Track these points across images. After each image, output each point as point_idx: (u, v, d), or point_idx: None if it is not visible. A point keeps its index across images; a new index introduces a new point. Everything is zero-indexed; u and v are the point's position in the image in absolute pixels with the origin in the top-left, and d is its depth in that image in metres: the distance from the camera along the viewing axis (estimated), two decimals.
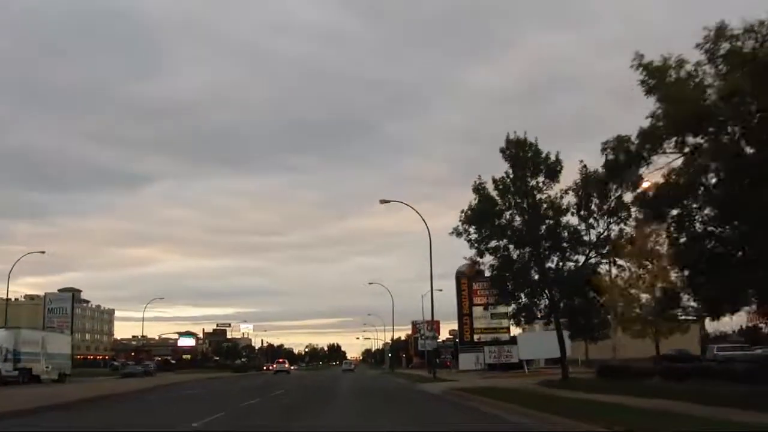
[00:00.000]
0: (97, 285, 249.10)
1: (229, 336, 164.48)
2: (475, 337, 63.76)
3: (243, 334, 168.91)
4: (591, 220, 27.28)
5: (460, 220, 28.01)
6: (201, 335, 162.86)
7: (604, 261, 27.02)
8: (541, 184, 27.68)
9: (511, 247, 28.10)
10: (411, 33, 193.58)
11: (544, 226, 27.49)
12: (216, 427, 15.25)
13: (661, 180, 16.27)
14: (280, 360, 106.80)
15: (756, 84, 13.66)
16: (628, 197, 26.66)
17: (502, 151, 27.77)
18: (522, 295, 27.90)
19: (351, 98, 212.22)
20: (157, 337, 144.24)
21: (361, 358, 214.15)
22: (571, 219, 27.93)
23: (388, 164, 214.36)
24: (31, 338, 46.60)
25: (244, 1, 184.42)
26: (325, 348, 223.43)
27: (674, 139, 15.48)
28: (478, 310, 64.19)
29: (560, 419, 12.86)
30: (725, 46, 14.53)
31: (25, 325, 72.13)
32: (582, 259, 27.73)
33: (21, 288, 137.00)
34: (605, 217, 26.93)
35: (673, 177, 15.81)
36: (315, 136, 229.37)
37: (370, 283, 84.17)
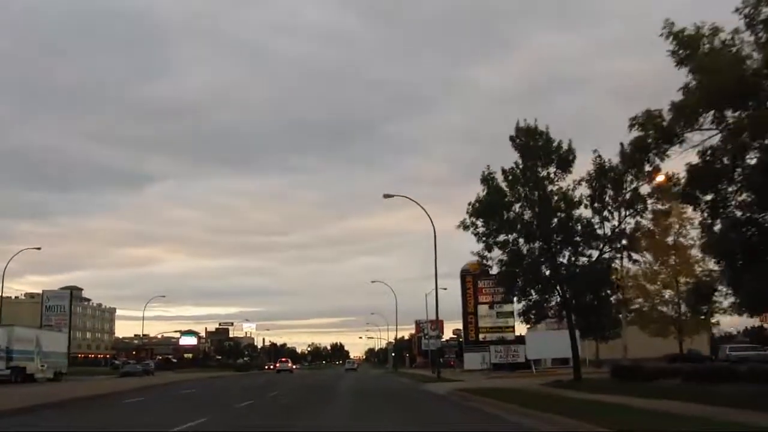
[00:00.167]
0: (101, 284, 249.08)
1: (231, 335, 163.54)
2: (480, 336, 62.42)
3: (246, 333, 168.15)
4: (605, 213, 25.89)
5: (468, 212, 26.68)
6: (204, 334, 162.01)
7: (618, 256, 25.60)
8: (552, 175, 26.30)
9: (521, 241, 26.72)
10: (412, 33, 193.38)
11: (555, 219, 26.10)
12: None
13: (697, 160, 14.74)
14: (283, 359, 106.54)
15: None
16: (644, 189, 25.66)
17: (512, 139, 26.39)
18: (532, 292, 26.47)
19: (352, 98, 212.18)
20: (159, 336, 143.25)
21: (364, 357, 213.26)
22: (584, 212, 26.58)
23: (389, 164, 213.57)
24: (24, 336, 45.34)
25: (246, 1, 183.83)
26: (328, 347, 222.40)
27: (711, 113, 13.97)
28: (483, 309, 62.88)
29: (585, 424, 11.53)
30: (766, 11, 13.10)
31: (25, 323, 71.40)
32: (595, 253, 26.33)
33: (25, 287, 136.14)
34: (621, 210, 25.54)
35: (709, 156, 14.29)
36: (316, 136, 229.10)
37: (372, 282, 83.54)
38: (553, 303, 26.77)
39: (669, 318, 23.94)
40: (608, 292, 25.99)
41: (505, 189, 26.84)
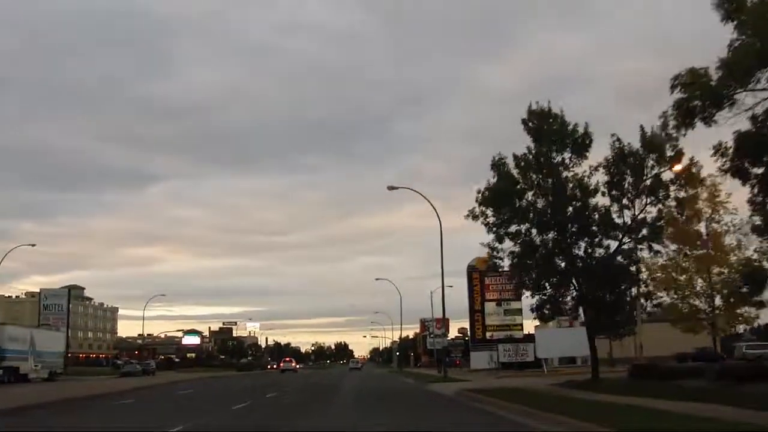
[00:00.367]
0: (104, 284, 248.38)
1: (235, 335, 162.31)
2: (488, 334, 60.71)
3: (249, 332, 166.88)
4: (624, 201, 24.22)
5: (477, 201, 25.01)
6: (207, 334, 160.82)
7: (640, 246, 23.88)
8: (567, 161, 24.63)
9: (534, 231, 25.08)
10: (416, 32, 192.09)
11: (570, 208, 24.44)
12: None
13: (748, 126, 13.00)
14: (287, 359, 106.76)
15: None
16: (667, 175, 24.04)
17: (524, 122, 24.72)
18: (547, 286, 24.75)
19: (355, 97, 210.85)
20: (163, 336, 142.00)
21: (368, 356, 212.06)
22: (601, 200, 24.91)
23: (394, 164, 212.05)
24: (17, 335, 44.11)
25: (254, 1, 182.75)
26: (333, 347, 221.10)
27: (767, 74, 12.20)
28: (490, 306, 61.23)
29: None
30: None
31: (25, 323, 70.25)
32: (613, 244, 24.65)
33: (29, 287, 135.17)
34: (641, 197, 23.88)
35: (762, 122, 12.53)
36: (319, 136, 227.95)
37: (377, 279, 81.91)
38: (569, 298, 25.06)
39: (702, 312, 22.13)
40: (628, 285, 24.18)
41: (517, 176, 25.17)
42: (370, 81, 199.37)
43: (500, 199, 24.63)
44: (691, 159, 23.17)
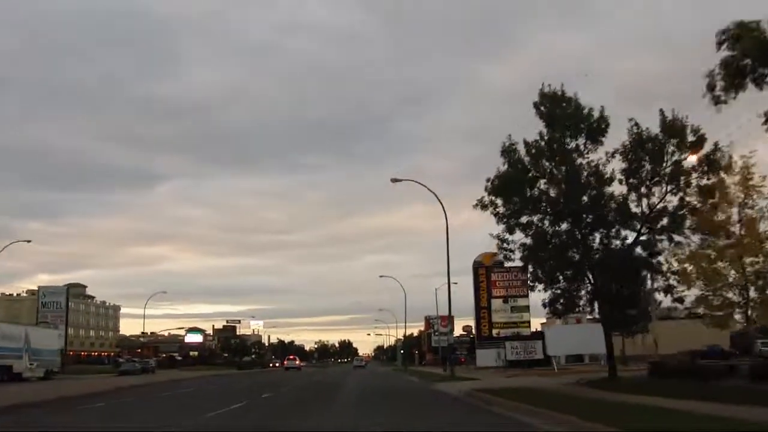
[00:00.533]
0: (110, 283, 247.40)
1: (239, 333, 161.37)
2: (494, 331, 59.22)
3: (253, 330, 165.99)
4: (643, 189, 22.78)
5: (486, 190, 23.59)
6: (211, 332, 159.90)
7: (661, 237, 22.40)
8: (582, 147, 23.19)
9: (547, 221, 23.67)
10: (419, 32, 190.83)
11: (585, 197, 23.00)
12: None
13: None
14: (291, 357, 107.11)
15: None
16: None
17: (536, 106, 23.29)
18: (561, 279, 23.29)
19: (358, 97, 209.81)
20: (166, 334, 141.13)
21: (372, 354, 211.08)
22: (617, 189, 23.47)
23: (395, 163, 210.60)
24: (11, 333, 42.96)
25: (254, 0, 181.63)
26: (337, 345, 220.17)
27: None
28: (497, 303, 59.71)
29: None
30: None
31: (24, 320, 69.30)
32: (630, 235, 23.22)
33: (34, 286, 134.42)
34: (661, 185, 22.44)
35: None
36: (323, 135, 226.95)
37: (381, 276, 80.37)
38: (583, 292, 23.61)
39: (735, 304, 20.71)
40: (648, 278, 22.71)
41: (528, 164, 23.74)
42: (371, 81, 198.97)
43: (511, 188, 23.20)
44: (716, 144, 21.72)
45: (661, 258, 22.51)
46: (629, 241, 23.22)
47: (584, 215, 23.22)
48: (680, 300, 22.52)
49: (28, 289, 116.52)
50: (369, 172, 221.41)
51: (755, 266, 20.63)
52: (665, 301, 23.73)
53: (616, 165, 23.21)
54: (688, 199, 22.02)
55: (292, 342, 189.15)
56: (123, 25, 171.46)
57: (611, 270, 22.32)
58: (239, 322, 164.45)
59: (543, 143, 23.46)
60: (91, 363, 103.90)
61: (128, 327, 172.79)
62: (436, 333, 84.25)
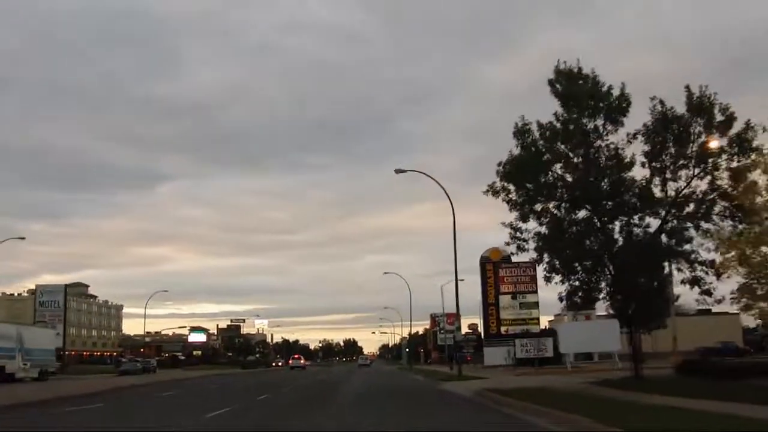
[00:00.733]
0: (114, 283, 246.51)
1: (244, 332, 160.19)
2: (502, 329, 57.41)
3: (258, 329, 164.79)
4: (667, 174, 21.06)
5: (498, 174, 21.88)
6: (216, 331, 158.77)
7: (688, 224, 20.65)
8: (600, 128, 21.46)
9: (563, 209, 21.98)
10: (421, 32, 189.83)
11: (606, 180, 21.29)
12: None
13: None
14: (296, 356, 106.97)
15: None
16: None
17: (551, 84, 21.55)
18: (579, 270, 21.55)
19: (364, 97, 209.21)
20: (171, 334, 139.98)
21: (378, 353, 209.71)
22: (639, 173, 21.75)
23: (398, 163, 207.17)
24: (3, 332, 41.62)
25: (257, 0, 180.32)
26: (341, 343, 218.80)
27: None
28: (505, 299, 57.84)
29: None
30: None
31: (26, 320, 68.00)
32: (653, 223, 21.47)
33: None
34: (689, 168, 20.72)
35: None
36: (326, 135, 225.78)
37: (385, 273, 78.91)
38: (603, 284, 21.87)
39: None
40: (677, 268, 20.89)
41: (542, 148, 22.03)
42: (372, 80, 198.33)
43: (524, 172, 21.48)
44: (747, 122, 20.00)
45: (687, 247, 20.69)
46: (652, 229, 21.48)
47: (603, 202, 21.51)
48: (708, 292, 20.79)
49: (29, 289, 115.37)
50: (370, 171, 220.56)
51: None
52: (683, 294, 22.07)
53: (637, 148, 21.51)
54: (718, 182, 20.30)
55: (297, 341, 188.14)
56: (124, 25, 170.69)
57: (634, 260, 20.56)
58: (244, 321, 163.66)
59: (558, 124, 21.76)
60: (93, 363, 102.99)
61: (132, 327, 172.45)
62: (442, 331, 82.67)
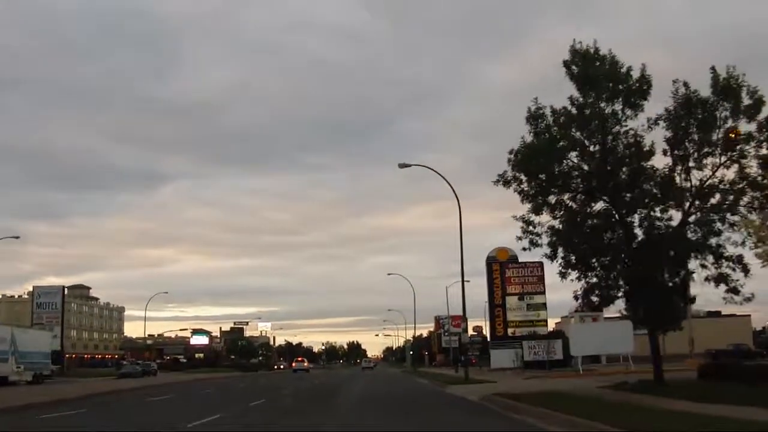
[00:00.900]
0: (117, 285, 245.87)
1: (247, 334, 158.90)
2: (509, 330, 55.97)
3: (261, 332, 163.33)
4: (691, 162, 19.61)
5: (509, 163, 20.42)
6: (218, 334, 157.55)
7: (713, 216, 19.20)
8: (619, 113, 20.03)
9: (578, 200, 20.55)
10: (425, 31, 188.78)
11: (625, 169, 19.85)
12: None
13: None
14: (300, 359, 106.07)
15: None
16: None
17: (566, 65, 20.10)
18: (596, 266, 20.09)
19: (368, 96, 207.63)
20: (173, 336, 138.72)
21: (381, 356, 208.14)
22: (659, 162, 20.30)
23: (404, 161, 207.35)
24: None
25: (260, 0, 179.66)
26: (345, 346, 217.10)
27: None
28: (512, 301, 56.45)
29: None
30: None
31: (26, 322, 66.82)
32: (676, 215, 20.01)
33: None
34: (714, 155, 19.27)
35: None
36: (330, 135, 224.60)
37: (389, 274, 77.56)
38: (622, 281, 20.40)
39: None
40: (701, 264, 19.37)
41: (557, 135, 20.59)
42: (375, 79, 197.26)
43: (537, 161, 20.03)
44: None
45: (713, 240, 19.21)
46: (674, 222, 20.03)
47: (622, 193, 20.08)
48: (735, 290, 19.31)
49: (29, 291, 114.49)
50: (374, 171, 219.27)
51: None
52: (701, 294, 20.67)
53: (657, 135, 20.07)
54: (746, 171, 18.83)
55: (300, 344, 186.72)
56: (125, 25, 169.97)
57: (656, 255, 19.10)
58: (247, 323, 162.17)
59: (573, 109, 20.33)
60: (94, 366, 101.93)
61: (134, 329, 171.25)
62: (447, 333, 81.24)
